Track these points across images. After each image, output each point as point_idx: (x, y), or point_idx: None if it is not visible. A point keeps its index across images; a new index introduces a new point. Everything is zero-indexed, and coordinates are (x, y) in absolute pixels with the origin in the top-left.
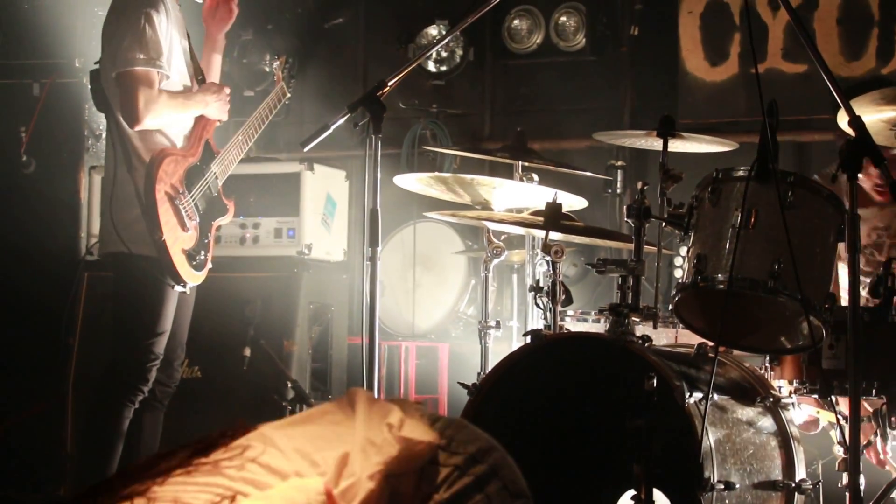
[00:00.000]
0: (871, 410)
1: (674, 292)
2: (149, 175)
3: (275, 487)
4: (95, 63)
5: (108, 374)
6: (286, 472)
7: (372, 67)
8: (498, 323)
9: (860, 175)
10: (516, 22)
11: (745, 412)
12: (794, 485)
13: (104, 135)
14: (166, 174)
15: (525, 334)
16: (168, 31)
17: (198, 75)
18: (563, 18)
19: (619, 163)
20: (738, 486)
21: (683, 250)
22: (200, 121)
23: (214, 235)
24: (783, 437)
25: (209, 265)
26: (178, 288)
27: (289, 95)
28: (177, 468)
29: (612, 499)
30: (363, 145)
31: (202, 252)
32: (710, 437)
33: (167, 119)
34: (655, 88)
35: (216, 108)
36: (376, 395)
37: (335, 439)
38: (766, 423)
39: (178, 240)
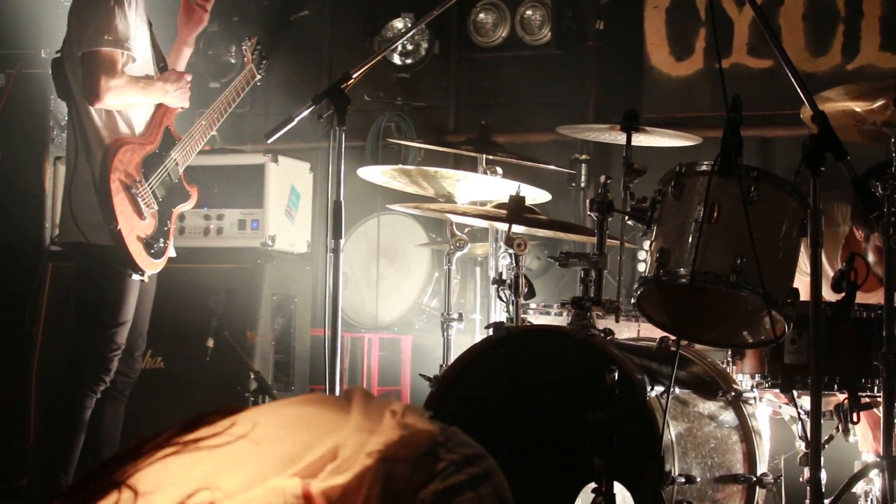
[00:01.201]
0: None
1: (636, 286)
2: (103, 164)
3: (250, 491)
4: (57, 52)
5: (69, 364)
6: (271, 454)
7: (337, 60)
8: (461, 315)
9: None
10: (482, 15)
11: (707, 406)
12: (755, 479)
13: None
14: (121, 163)
15: (487, 327)
16: (137, 18)
17: (159, 63)
18: (529, 12)
19: (583, 156)
20: (699, 479)
21: (646, 244)
22: (160, 108)
23: (176, 222)
24: (745, 431)
25: (170, 252)
26: (136, 277)
27: (259, 78)
28: (163, 447)
29: (573, 492)
30: (327, 137)
31: (161, 240)
32: (672, 431)
33: (126, 101)
34: (620, 82)
35: (176, 96)
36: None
37: (328, 423)
38: (728, 417)
39: (134, 228)
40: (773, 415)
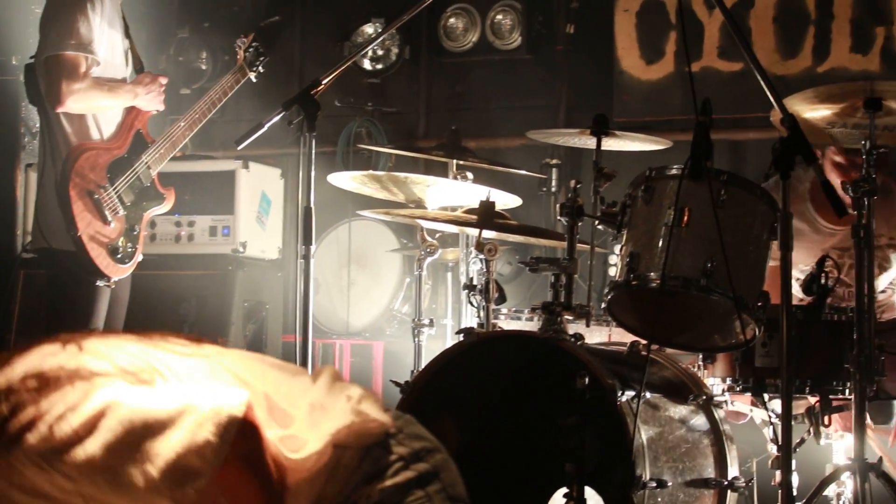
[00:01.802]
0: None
1: (607, 290)
2: (63, 170)
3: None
4: (31, 58)
5: None
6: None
7: (308, 65)
8: (432, 321)
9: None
10: (452, 20)
11: (678, 410)
12: (726, 482)
13: None
14: (83, 168)
15: (458, 332)
16: (103, 22)
17: (136, 66)
18: (499, 17)
19: (554, 161)
20: (670, 483)
21: (617, 248)
22: (132, 111)
23: (147, 227)
24: (716, 435)
25: (139, 257)
26: (101, 283)
27: (252, 76)
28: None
29: (545, 496)
30: (298, 143)
31: (129, 244)
32: (643, 435)
33: (92, 104)
34: (591, 87)
35: (147, 99)
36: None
37: (289, 387)
38: (699, 421)
39: (95, 234)
40: (729, 414)
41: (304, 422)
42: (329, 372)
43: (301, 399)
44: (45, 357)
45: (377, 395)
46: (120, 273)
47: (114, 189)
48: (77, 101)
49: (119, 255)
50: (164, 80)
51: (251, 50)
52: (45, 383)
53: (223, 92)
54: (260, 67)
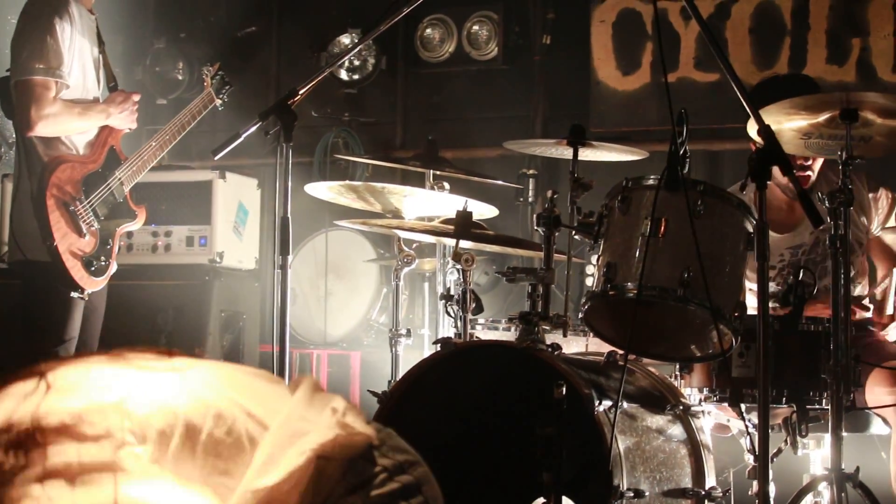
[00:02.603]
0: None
1: (584, 300)
2: (40, 181)
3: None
4: (7, 70)
5: None
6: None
7: (285, 76)
8: (409, 331)
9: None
10: (429, 31)
11: (655, 420)
12: (703, 493)
13: None
14: (59, 180)
15: (435, 342)
16: (73, 40)
17: (110, 83)
18: (476, 27)
19: (531, 171)
20: (647, 493)
21: (594, 259)
22: (105, 128)
23: (119, 241)
24: (693, 444)
25: (112, 270)
26: (75, 294)
27: (218, 103)
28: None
29: None
30: (275, 154)
31: (102, 258)
32: (620, 445)
33: (63, 127)
34: (567, 97)
35: (121, 118)
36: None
37: (270, 396)
38: (676, 430)
39: (71, 245)
40: (715, 429)
41: (281, 434)
42: (309, 382)
43: (279, 409)
44: (14, 405)
45: (357, 407)
46: (94, 286)
47: (88, 202)
48: (47, 126)
49: (93, 268)
50: (136, 98)
51: (217, 78)
52: (14, 440)
53: (192, 116)
54: (225, 96)
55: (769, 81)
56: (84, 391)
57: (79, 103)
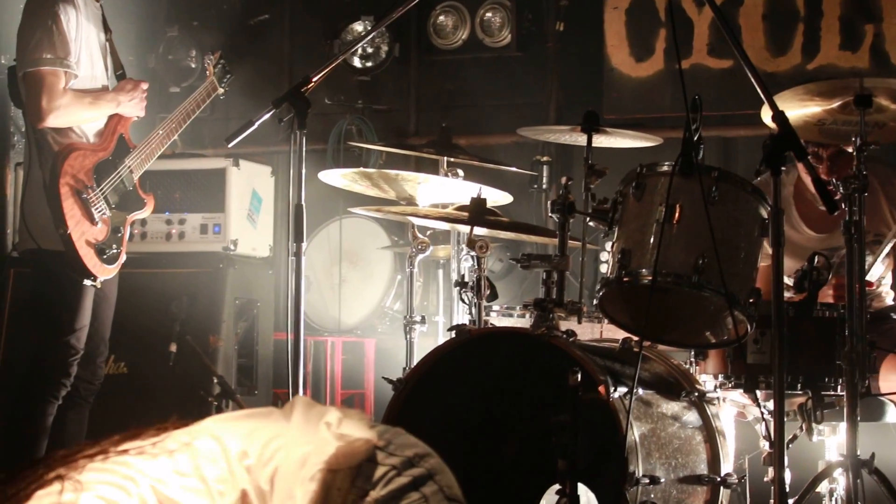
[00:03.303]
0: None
1: (598, 287)
2: (53, 169)
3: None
4: (14, 59)
5: (30, 371)
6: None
7: (298, 63)
8: (423, 318)
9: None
10: (442, 18)
11: (670, 407)
12: (719, 479)
13: None
14: (72, 168)
15: (450, 329)
16: (80, 28)
17: (117, 70)
18: (489, 14)
19: (545, 158)
20: (663, 480)
21: (608, 245)
22: (114, 117)
23: (129, 229)
24: (708, 431)
25: (123, 258)
26: (88, 282)
27: (221, 91)
28: (99, 455)
29: (537, 493)
30: (288, 141)
31: (114, 246)
32: (635, 432)
33: (74, 118)
34: (581, 84)
35: (130, 106)
36: (309, 395)
37: (270, 437)
38: (692, 417)
39: (84, 233)
40: (738, 416)
41: (289, 466)
42: (301, 403)
43: (280, 445)
44: None
45: (361, 412)
46: (106, 273)
47: (100, 190)
48: (59, 117)
49: (105, 256)
50: (145, 87)
51: (219, 66)
52: None
53: (196, 104)
54: (227, 85)
55: None
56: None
57: (89, 93)
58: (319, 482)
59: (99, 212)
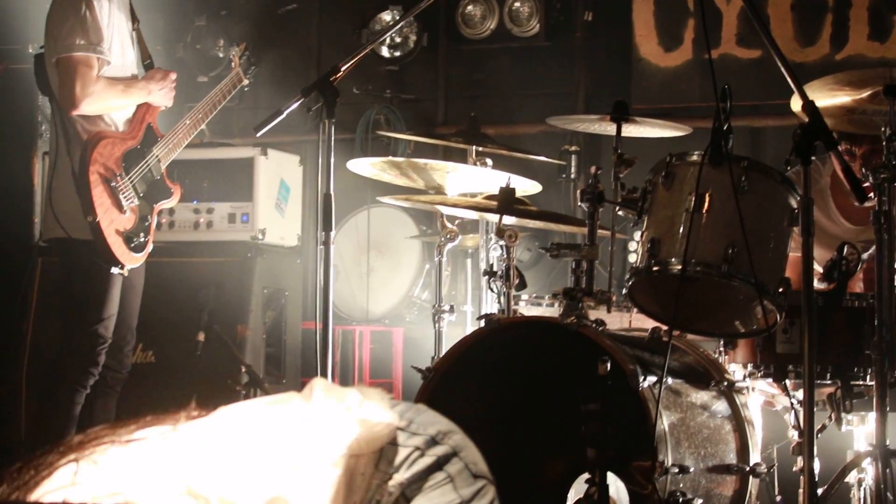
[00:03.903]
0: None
1: (628, 276)
2: (83, 156)
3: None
4: (41, 47)
5: (57, 360)
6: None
7: (326, 53)
8: (452, 307)
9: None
10: (470, 7)
11: (700, 396)
12: (748, 468)
13: None
14: (101, 156)
15: (479, 318)
16: (111, 16)
17: (145, 60)
18: (517, 4)
19: (573, 147)
20: (692, 469)
21: (637, 234)
22: (143, 105)
23: (157, 218)
24: (737, 420)
25: (150, 247)
26: (115, 270)
27: (246, 83)
28: (115, 438)
29: (567, 482)
30: (317, 130)
31: (142, 234)
32: (665, 421)
33: (106, 105)
34: (609, 74)
35: (160, 95)
36: (333, 381)
37: (290, 426)
38: (721, 406)
39: (113, 221)
40: (765, 405)
41: (310, 453)
42: (320, 386)
43: (300, 430)
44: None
45: (381, 391)
46: (133, 262)
47: (129, 179)
48: (91, 105)
49: (133, 245)
50: (174, 77)
51: (244, 57)
52: None
53: (222, 95)
54: (252, 76)
55: None
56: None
57: (121, 81)
58: (342, 468)
59: (127, 200)
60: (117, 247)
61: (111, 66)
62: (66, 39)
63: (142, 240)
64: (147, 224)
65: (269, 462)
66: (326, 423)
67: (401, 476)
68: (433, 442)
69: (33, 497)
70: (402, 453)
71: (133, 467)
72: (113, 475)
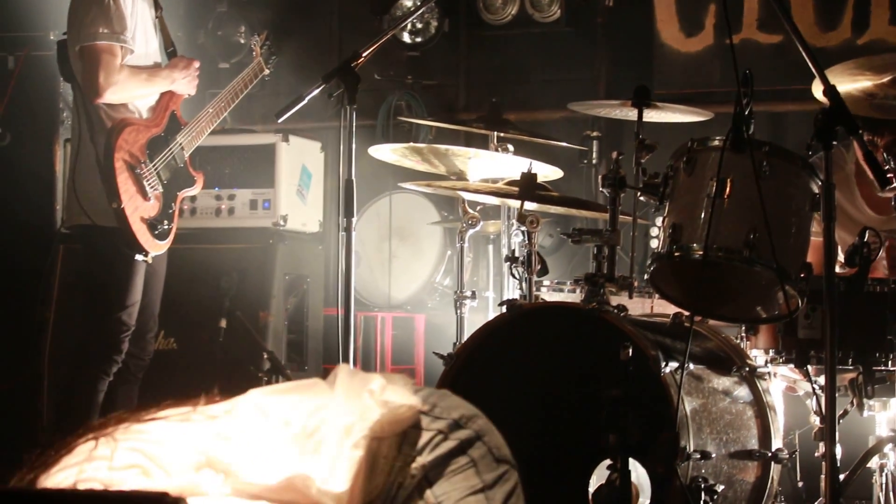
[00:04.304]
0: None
1: (649, 262)
2: (108, 143)
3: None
4: (63, 33)
5: (80, 348)
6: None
7: (347, 39)
8: (474, 293)
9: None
10: None
11: (721, 382)
12: (770, 454)
13: None
14: (126, 143)
15: (500, 304)
16: (135, 4)
17: (168, 47)
18: None
19: (595, 133)
20: (714, 455)
21: (659, 220)
22: (166, 93)
23: (180, 206)
24: (759, 406)
25: (173, 235)
26: (140, 258)
27: (267, 72)
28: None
29: (588, 468)
30: (338, 116)
31: (165, 222)
32: (686, 407)
33: (130, 94)
34: (631, 59)
35: (184, 83)
36: (355, 368)
37: (315, 407)
38: (742, 392)
39: (137, 208)
40: (787, 390)
41: (333, 434)
42: (344, 372)
43: (324, 411)
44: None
45: (405, 376)
46: (157, 249)
47: (153, 166)
48: (115, 93)
49: (157, 232)
50: (197, 65)
51: (265, 47)
52: None
53: (244, 84)
54: (272, 65)
55: None
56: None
57: (144, 69)
58: (365, 450)
59: (151, 187)
60: (142, 234)
61: (134, 54)
62: (90, 28)
63: (165, 227)
64: (171, 211)
65: (291, 441)
66: (350, 406)
67: (423, 459)
68: (456, 426)
69: (53, 470)
70: (425, 437)
71: (153, 442)
72: (132, 449)
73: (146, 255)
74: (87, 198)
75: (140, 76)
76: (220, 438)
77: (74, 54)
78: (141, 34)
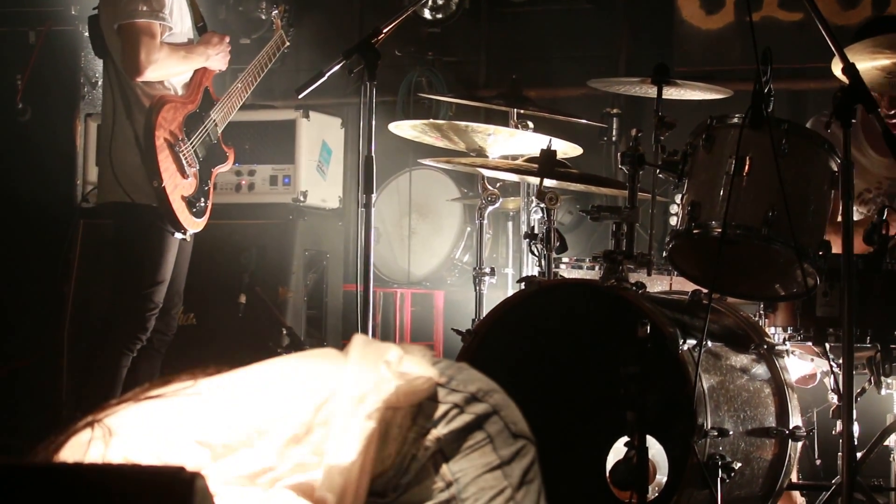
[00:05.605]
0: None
1: (668, 239)
2: (148, 121)
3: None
4: (94, 8)
5: (105, 324)
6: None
7: (367, 15)
8: (493, 270)
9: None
10: None
11: (739, 359)
12: (787, 432)
13: (100, 82)
14: (165, 121)
15: (519, 281)
16: None
17: (198, 22)
18: None
19: (615, 110)
20: (731, 432)
21: (678, 197)
22: (199, 70)
23: (214, 182)
24: (777, 384)
25: (209, 212)
26: (179, 235)
27: (287, 44)
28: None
29: (606, 445)
30: (358, 92)
31: (202, 199)
32: (704, 384)
33: (169, 71)
34: (651, 36)
35: (217, 59)
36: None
37: (328, 376)
38: (760, 370)
39: (177, 186)
40: (799, 382)
41: (345, 404)
42: (360, 342)
43: (337, 380)
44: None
45: (424, 348)
46: (195, 227)
47: (190, 143)
48: (155, 71)
49: (195, 209)
50: (228, 40)
51: (285, 20)
52: None
53: (268, 58)
54: (290, 38)
55: (884, 18)
56: (147, 431)
57: (182, 46)
58: (378, 420)
59: (189, 165)
60: (181, 212)
61: (170, 33)
62: (129, 6)
63: (202, 204)
64: (206, 188)
65: (297, 413)
66: (364, 376)
67: (438, 431)
68: (473, 399)
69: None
70: (441, 409)
71: (145, 425)
72: (124, 436)
73: (185, 234)
74: (125, 176)
75: (178, 54)
76: (216, 415)
77: (111, 31)
78: (177, 10)
